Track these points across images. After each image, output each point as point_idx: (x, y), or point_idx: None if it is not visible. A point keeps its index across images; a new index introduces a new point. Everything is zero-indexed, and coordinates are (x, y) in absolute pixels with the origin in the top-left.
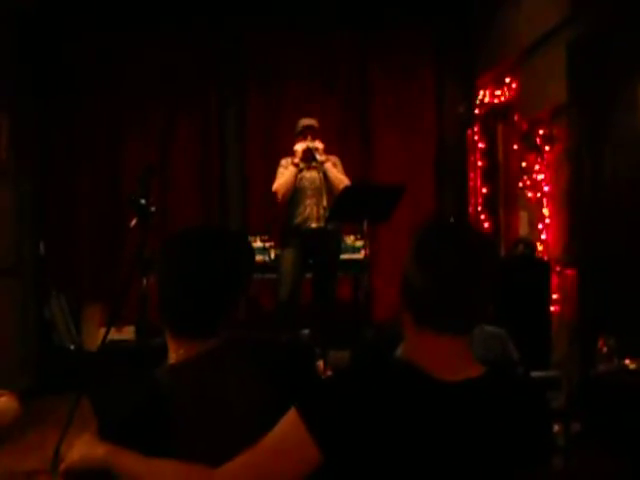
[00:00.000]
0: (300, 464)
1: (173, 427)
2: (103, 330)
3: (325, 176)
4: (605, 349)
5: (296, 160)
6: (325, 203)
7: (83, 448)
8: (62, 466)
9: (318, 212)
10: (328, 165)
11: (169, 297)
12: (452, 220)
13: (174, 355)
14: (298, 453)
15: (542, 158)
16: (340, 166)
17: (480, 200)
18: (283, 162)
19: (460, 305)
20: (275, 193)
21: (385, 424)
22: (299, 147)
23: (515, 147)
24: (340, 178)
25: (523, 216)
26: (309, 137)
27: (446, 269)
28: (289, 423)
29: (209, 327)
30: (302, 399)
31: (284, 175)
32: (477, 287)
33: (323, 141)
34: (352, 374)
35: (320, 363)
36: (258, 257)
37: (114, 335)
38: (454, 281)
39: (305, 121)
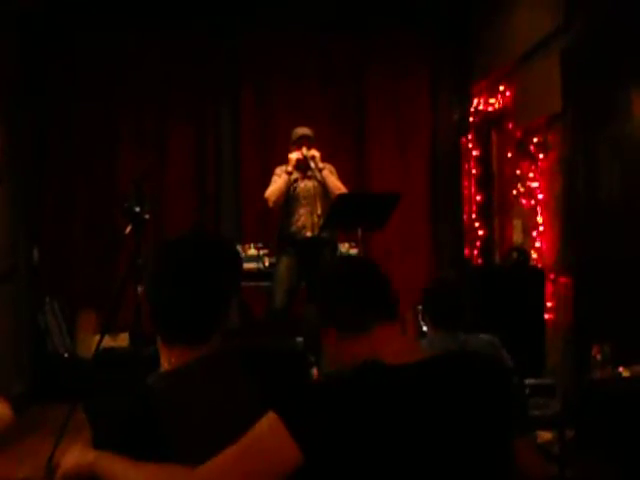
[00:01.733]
0: (280, 464)
1: (165, 435)
2: (97, 337)
3: (321, 184)
4: (599, 357)
5: (289, 168)
6: (320, 211)
7: (76, 454)
8: (57, 473)
9: (313, 221)
10: (326, 173)
11: (159, 305)
12: None
13: (166, 363)
14: (278, 453)
15: (536, 166)
16: (335, 174)
17: (474, 208)
18: (277, 170)
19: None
20: (267, 199)
21: (361, 418)
22: (293, 156)
23: (509, 155)
24: (338, 186)
25: (517, 224)
26: (304, 147)
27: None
28: (269, 423)
29: (200, 335)
30: (280, 400)
31: (276, 182)
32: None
33: (317, 149)
34: (325, 377)
35: (314, 371)
36: (252, 265)
37: (108, 342)
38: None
39: (300, 130)
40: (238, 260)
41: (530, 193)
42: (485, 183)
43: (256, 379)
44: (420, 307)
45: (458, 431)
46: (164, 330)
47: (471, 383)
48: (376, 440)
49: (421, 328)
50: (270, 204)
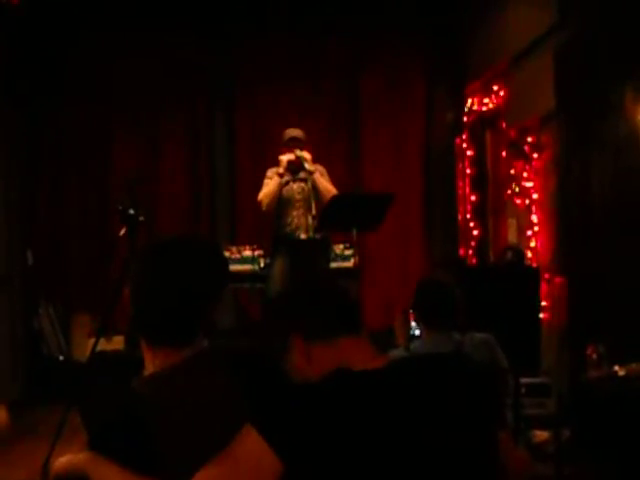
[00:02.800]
0: (263, 475)
1: (150, 438)
2: (92, 340)
3: (313, 186)
4: (594, 356)
5: (280, 170)
6: (314, 212)
7: (71, 455)
8: (51, 472)
9: (307, 222)
10: (316, 175)
11: (142, 307)
12: None
13: (150, 366)
14: (259, 464)
15: (530, 165)
16: (327, 175)
17: (469, 208)
18: (269, 173)
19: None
20: (260, 203)
21: (338, 424)
22: (284, 157)
23: (504, 155)
24: (328, 188)
25: (512, 223)
26: (296, 149)
27: None
28: (247, 436)
29: (183, 337)
30: (258, 412)
31: (268, 185)
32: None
33: (312, 148)
34: (301, 385)
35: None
36: (247, 267)
37: (103, 345)
38: None
39: (291, 132)
40: (223, 263)
41: (524, 193)
42: (479, 183)
43: (242, 380)
44: (410, 310)
45: (433, 432)
46: (147, 332)
47: (443, 384)
48: (353, 445)
49: (410, 332)
50: (263, 207)
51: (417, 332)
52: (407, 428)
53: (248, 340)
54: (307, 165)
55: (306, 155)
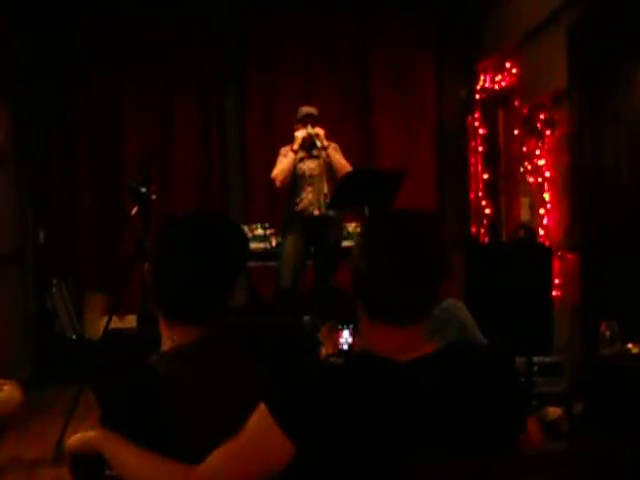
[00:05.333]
0: (274, 456)
1: (166, 414)
2: (105, 319)
3: (327, 163)
4: (607, 333)
5: (295, 146)
6: (326, 190)
7: (84, 432)
8: (65, 449)
9: (319, 199)
10: (330, 151)
11: (161, 283)
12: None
13: (168, 341)
14: (271, 446)
15: (543, 143)
16: (340, 152)
17: (481, 186)
18: (283, 150)
19: (409, 299)
20: (274, 180)
21: (350, 411)
22: (299, 134)
23: (516, 132)
24: (343, 164)
25: (524, 201)
26: (309, 125)
27: (391, 262)
28: (260, 418)
29: (201, 313)
30: (270, 393)
31: (282, 162)
32: (423, 278)
33: (323, 127)
34: (315, 366)
35: (322, 350)
36: (259, 244)
37: (116, 324)
38: (399, 274)
39: (305, 109)
40: (243, 240)
41: (537, 170)
42: (492, 161)
43: (260, 357)
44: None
45: (450, 426)
46: (165, 309)
47: (468, 380)
48: (364, 433)
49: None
50: (277, 184)
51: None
52: (421, 422)
53: (261, 318)
54: (318, 142)
55: (319, 131)
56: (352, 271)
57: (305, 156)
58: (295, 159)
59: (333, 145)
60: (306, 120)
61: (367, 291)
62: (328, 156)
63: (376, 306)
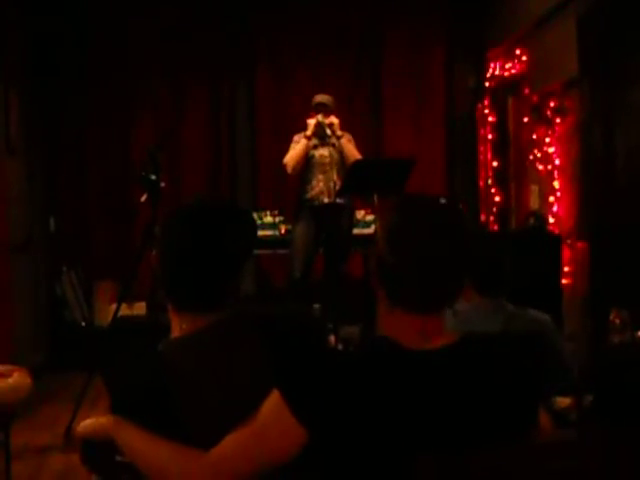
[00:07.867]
0: (287, 443)
1: (175, 400)
2: (114, 306)
3: (338, 152)
4: (618, 321)
5: (308, 133)
6: (336, 178)
7: (95, 418)
8: (76, 436)
9: (329, 187)
10: (344, 141)
11: (169, 271)
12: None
13: (177, 329)
14: (284, 433)
15: (553, 131)
16: (353, 143)
17: (490, 173)
18: (295, 137)
19: (431, 287)
20: (285, 166)
21: (364, 399)
22: (312, 121)
23: (526, 120)
24: (354, 153)
25: (534, 189)
26: (321, 114)
27: (417, 251)
28: (273, 404)
29: (210, 301)
30: (283, 379)
31: (295, 149)
32: (450, 267)
33: (335, 115)
34: (329, 352)
35: (332, 338)
36: (268, 232)
37: (125, 311)
38: (426, 263)
39: (319, 98)
40: (251, 228)
41: (547, 158)
42: (501, 149)
43: (270, 345)
44: None
45: (465, 417)
46: (174, 297)
47: (486, 372)
48: (377, 422)
49: None
50: (289, 170)
51: None
52: (435, 414)
53: (269, 306)
54: (328, 131)
55: (334, 120)
56: (376, 258)
57: (319, 144)
58: (308, 146)
59: (347, 136)
60: (318, 109)
61: (392, 279)
62: (341, 146)
63: (400, 293)
